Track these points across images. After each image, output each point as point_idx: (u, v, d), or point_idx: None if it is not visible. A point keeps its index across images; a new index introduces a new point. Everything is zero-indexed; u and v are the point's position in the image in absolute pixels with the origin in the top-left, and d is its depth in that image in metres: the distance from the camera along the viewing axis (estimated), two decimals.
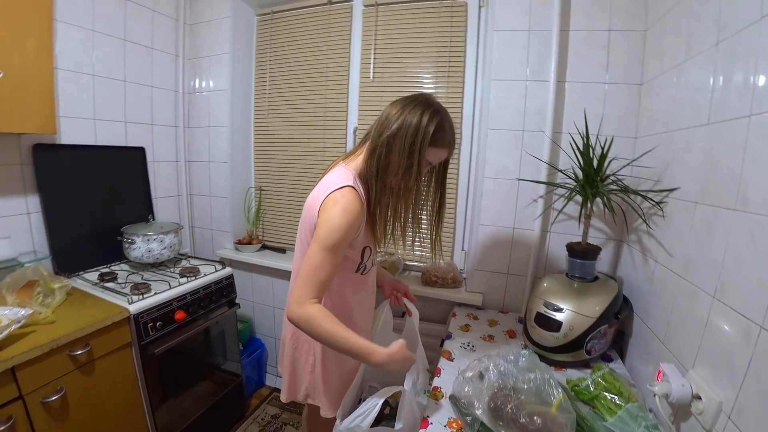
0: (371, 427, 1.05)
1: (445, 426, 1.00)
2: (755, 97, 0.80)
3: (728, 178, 0.87)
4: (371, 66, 1.84)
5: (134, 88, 1.94)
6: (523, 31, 1.49)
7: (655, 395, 0.94)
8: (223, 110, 2.09)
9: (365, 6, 1.85)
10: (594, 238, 1.50)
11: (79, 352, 1.25)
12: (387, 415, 1.24)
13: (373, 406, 1.03)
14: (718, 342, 0.85)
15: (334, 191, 1.00)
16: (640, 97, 1.40)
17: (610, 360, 1.30)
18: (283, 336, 1.25)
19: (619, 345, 1.38)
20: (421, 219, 1.14)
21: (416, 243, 1.20)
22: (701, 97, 1.01)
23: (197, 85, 2.18)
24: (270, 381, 2.32)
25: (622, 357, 1.34)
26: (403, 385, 1.06)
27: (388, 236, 1.13)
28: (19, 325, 1.16)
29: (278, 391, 2.26)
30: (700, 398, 0.87)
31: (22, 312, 1.19)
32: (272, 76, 2.11)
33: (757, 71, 0.80)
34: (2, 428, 1.07)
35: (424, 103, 1.02)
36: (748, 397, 0.74)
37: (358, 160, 1.09)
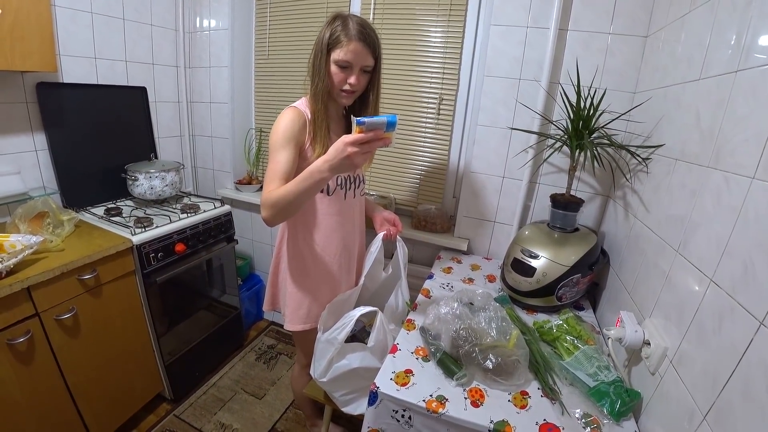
0: (347, 342, 1.16)
1: (412, 353, 1.09)
2: (744, 52, 0.78)
3: (707, 136, 0.86)
4: (372, 7, 1.78)
5: (134, 26, 1.93)
6: None
7: (608, 338, 1.01)
8: (224, 50, 2.07)
9: None
10: (582, 192, 1.51)
11: (87, 277, 1.36)
12: (363, 337, 1.35)
13: (348, 321, 1.13)
14: (674, 293, 0.90)
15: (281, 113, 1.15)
16: (643, 51, 1.35)
17: (581, 309, 1.37)
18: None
19: (593, 295, 1.44)
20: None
21: None
22: (697, 51, 0.98)
23: (197, 24, 2.14)
24: (268, 315, 2.49)
25: (594, 307, 1.41)
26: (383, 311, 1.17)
27: (321, 142, 1.15)
28: (31, 250, 1.26)
29: (276, 324, 2.43)
30: (650, 344, 0.93)
31: (34, 239, 1.28)
32: (272, 15, 2.06)
33: (750, 25, 0.78)
34: (22, 340, 1.20)
35: (331, 17, 1.10)
36: (689, 346, 0.79)
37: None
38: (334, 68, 1.09)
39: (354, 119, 0.87)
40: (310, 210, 1.25)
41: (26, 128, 1.60)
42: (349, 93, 1.14)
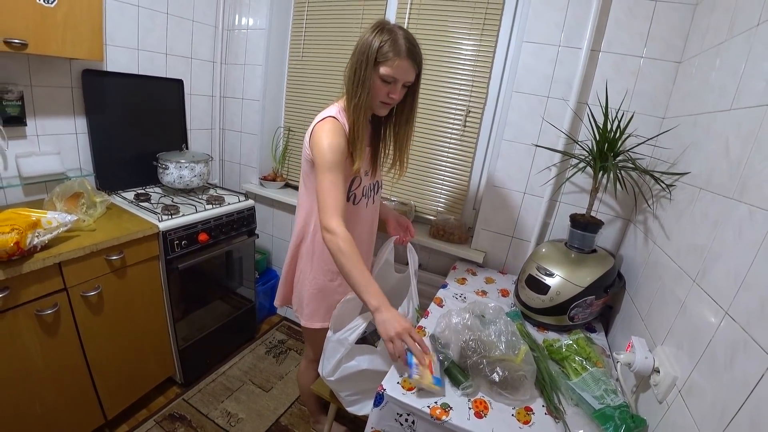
0: (357, 343, 1.19)
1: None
2: None
3: (734, 167, 0.86)
4: (407, 16, 1.82)
5: (176, 21, 2.01)
6: None
7: (618, 362, 1.00)
8: (260, 49, 2.14)
9: None
10: (603, 214, 1.51)
11: (115, 258, 1.42)
12: (374, 340, 1.37)
13: (360, 324, 1.15)
14: (688, 323, 0.89)
15: (317, 123, 1.13)
16: (675, 76, 1.34)
17: (593, 330, 1.36)
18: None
19: (606, 318, 1.43)
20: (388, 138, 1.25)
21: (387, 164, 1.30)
22: (731, 80, 0.97)
23: (236, 22, 2.22)
24: (281, 310, 2.53)
25: (607, 330, 1.40)
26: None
27: (360, 156, 1.16)
28: (66, 228, 1.32)
29: (288, 320, 2.47)
30: (659, 372, 0.92)
31: (69, 217, 1.35)
32: (309, 18, 2.11)
33: None
34: (49, 312, 1.27)
35: (376, 25, 1.08)
36: (699, 377, 0.79)
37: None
38: (377, 81, 1.09)
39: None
40: None
41: (69, 112, 1.69)
42: (387, 105, 1.15)
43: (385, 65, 1.07)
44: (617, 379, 1.08)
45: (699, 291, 0.87)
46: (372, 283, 1.04)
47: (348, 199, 1.23)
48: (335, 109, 1.17)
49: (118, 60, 1.80)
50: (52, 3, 1.35)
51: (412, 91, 1.18)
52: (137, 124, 1.91)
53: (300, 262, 1.35)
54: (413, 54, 1.08)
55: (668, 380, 0.88)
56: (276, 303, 1.46)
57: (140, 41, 1.87)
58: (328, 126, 1.11)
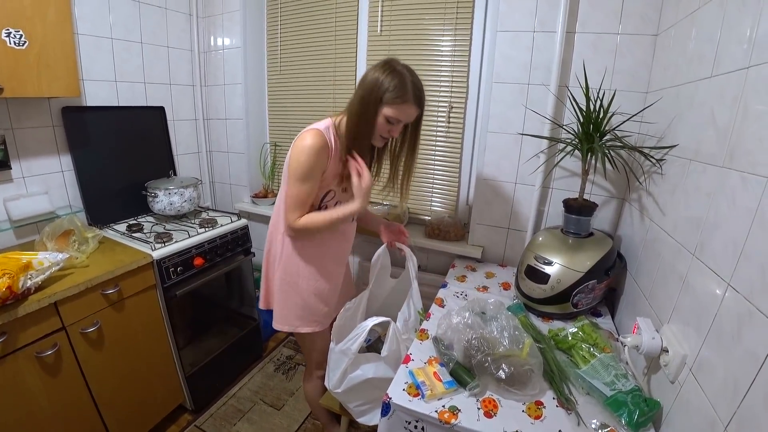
0: (362, 352, 1.17)
1: (425, 363, 1.09)
2: (755, 47, 0.76)
3: (721, 134, 0.84)
4: (379, 20, 1.81)
5: (151, 49, 2.01)
6: None
7: (625, 346, 0.98)
8: (238, 68, 2.14)
9: None
10: (597, 196, 1.49)
11: (111, 292, 1.41)
12: (378, 347, 1.35)
13: (361, 332, 1.14)
14: (692, 299, 0.87)
15: (303, 133, 1.16)
16: (654, 49, 1.32)
17: (599, 315, 1.33)
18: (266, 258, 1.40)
19: (610, 301, 1.41)
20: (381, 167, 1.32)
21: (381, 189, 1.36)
22: (708, 48, 0.95)
23: (212, 44, 2.22)
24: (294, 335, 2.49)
25: (612, 313, 1.37)
26: (396, 320, 1.19)
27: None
28: (58, 267, 1.31)
29: (293, 335, 2.44)
30: (668, 352, 0.90)
31: (60, 256, 1.34)
32: (283, 32, 2.11)
33: (761, 19, 0.76)
34: (49, 353, 1.26)
35: (387, 64, 1.12)
36: (709, 352, 0.77)
37: (341, 116, 1.22)
38: (381, 119, 1.13)
39: None
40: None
41: (53, 150, 1.69)
42: (385, 139, 1.21)
43: (392, 107, 1.11)
44: (627, 363, 1.05)
45: (699, 264, 0.85)
46: (336, 210, 1.20)
47: (320, 208, 1.26)
48: (324, 125, 1.19)
49: (97, 93, 1.79)
50: (23, 45, 1.35)
51: (414, 124, 1.22)
52: (123, 155, 1.90)
53: (270, 267, 1.37)
54: (419, 99, 1.14)
55: (678, 359, 0.86)
56: (260, 305, 1.45)
57: (117, 73, 1.87)
58: (309, 139, 1.13)
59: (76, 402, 1.38)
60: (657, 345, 0.92)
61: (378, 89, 1.09)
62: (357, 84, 1.20)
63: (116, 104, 1.89)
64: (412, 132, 1.23)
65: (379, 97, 1.10)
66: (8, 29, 1.29)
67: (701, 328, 0.80)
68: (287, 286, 1.32)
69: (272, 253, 1.35)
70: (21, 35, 1.33)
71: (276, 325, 1.37)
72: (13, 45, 1.32)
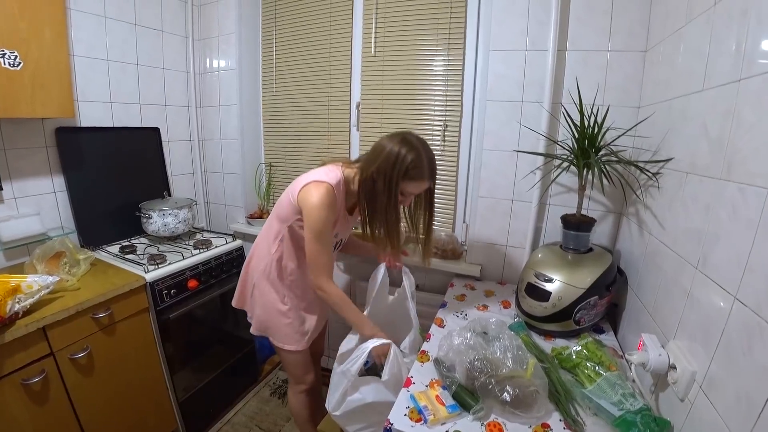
0: (363, 375, 1.14)
1: (426, 386, 1.05)
2: (745, 60, 0.77)
3: (716, 146, 0.84)
4: (372, 41, 1.84)
5: (147, 71, 2.02)
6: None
7: (631, 363, 0.96)
8: (233, 89, 2.15)
9: None
10: (594, 211, 1.48)
11: (102, 315, 1.37)
12: (379, 370, 1.32)
13: (361, 353, 1.12)
14: (697, 313, 0.85)
15: (317, 182, 1.21)
16: (644, 65, 1.35)
17: (601, 332, 1.31)
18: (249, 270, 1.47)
19: (613, 317, 1.38)
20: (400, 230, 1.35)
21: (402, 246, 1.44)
22: (698, 62, 0.97)
23: (207, 65, 2.24)
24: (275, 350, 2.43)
25: (615, 329, 1.35)
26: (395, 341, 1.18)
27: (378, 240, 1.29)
28: (48, 290, 1.28)
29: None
30: (676, 368, 0.87)
31: (50, 279, 1.30)
32: (278, 53, 2.13)
33: (748, 32, 0.77)
34: (36, 380, 1.21)
35: (404, 141, 1.18)
36: (719, 368, 0.74)
37: (351, 171, 1.29)
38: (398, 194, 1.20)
39: None
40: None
41: (46, 171, 1.67)
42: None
43: (411, 183, 1.18)
44: (633, 381, 1.03)
45: (703, 278, 0.84)
46: (364, 319, 1.28)
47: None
48: (335, 179, 1.24)
49: (91, 114, 1.79)
50: (17, 66, 1.35)
51: (432, 191, 1.31)
52: (117, 176, 1.88)
53: (249, 278, 1.45)
54: (433, 173, 1.22)
55: (687, 376, 0.83)
56: (234, 304, 1.53)
57: (112, 94, 1.87)
58: (325, 197, 1.19)
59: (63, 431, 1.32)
60: (664, 362, 0.90)
61: (400, 164, 1.15)
62: (371, 150, 1.24)
63: (111, 125, 1.88)
64: (428, 195, 1.31)
65: (400, 172, 1.15)
66: (3, 50, 1.30)
67: (709, 343, 0.78)
68: (264, 305, 1.40)
69: (252, 265, 1.44)
70: (16, 56, 1.33)
71: (253, 330, 1.46)
72: (7, 66, 1.32)
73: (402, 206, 1.28)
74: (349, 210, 1.38)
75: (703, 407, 0.77)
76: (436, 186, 1.81)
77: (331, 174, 1.25)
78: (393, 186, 1.16)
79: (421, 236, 1.37)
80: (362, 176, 1.22)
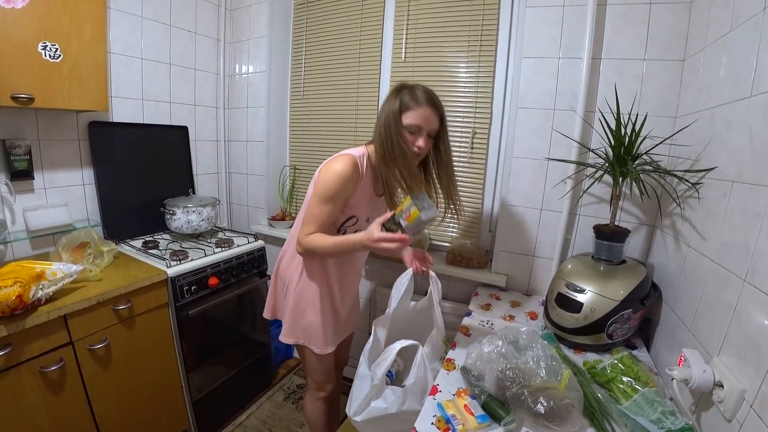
0: (388, 384, 1.11)
1: (453, 395, 1.01)
2: None
3: (766, 153, 0.81)
4: (403, 46, 1.85)
5: (179, 71, 2.06)
6: (557, 7, 1.44)
7: (673, 379, 0.90)
8: (261, 92, 2.18)
9: None
10: (626, 223, 1.43)
11: (122, 307, 1.37)
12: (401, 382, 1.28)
13: (389, 354, 1.10)
14: (746, 328, 0.80)
15: (337, 156, 1.19)
16: (681, 75, 1.32)
17: (633, 347, 1.25)
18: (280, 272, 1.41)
19: (645, 333, 1.33)
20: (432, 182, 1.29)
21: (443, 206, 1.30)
22: (745, 68, 0.94)
23: (237, 69, 2.28)
24: (297, 353, 2.41)
25: (648, 345, 1.29)
26: (423, 344, 1.15)
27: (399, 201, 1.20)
28: (71, 279, 1.28)
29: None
30: (722, 386, 0.82)
31: (74, 268, 1.31)
32: (308, 58, 2.16)
33: None
34: (54, 368, 1.20)
35: (395, 86, 1.17)
36: None
37: (373, 146, 1.23)
38: (404, 132, 1.14)
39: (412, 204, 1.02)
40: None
41: (76, 164, 1.70)
42: (417, 156, 1.19)
43: (407, 115, 1.13)
44: (671, 399, 0.97)
45: (753, 291, 0.79)
46: (344, 238, 1.15)
47: (338, 231, 1.28)
48: (360, 152, 1.21)
49: (123, 110, 1.83)
50: (57, 59, 1.38)
51: (441, 139, 1.22)
52: (144, 172, 1.91)
53: (280, 280, 1.39)
54: (432, 101, 1.15)
55: (735, 394, 0.78)
56: (265, 315, 1.47)
57: (144, 91, 1.91)
58: (341, 163, 1.15)
59: (77, 423, 1.32)
60: (709, 378, 0.85)
61: (393, 103, 1.13)
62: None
63: (141, 122, 1.91)
64: (441, 144, 1.23)
65: (397, 111, 1.12)
66: (45, 42, 1.33)
67: (761, 360, 0.73)
68: (297, 303, 1.33)
69: (282, 264, 1.39)
70: (57, 49, 1.37)
71: (282, 338, 1.39)
72: (48, 57, 1.35)
73: (420, 155, 1.19)
74: (378, 193, 1.32)
75: (753, 428, 0.72)
76: (461, 191, 1.80)
77: (354, 150, 1.22)
78: (396, 123, 1.12)
79: (446, 192, 1.27)
80: (374, 139, 1.20)
